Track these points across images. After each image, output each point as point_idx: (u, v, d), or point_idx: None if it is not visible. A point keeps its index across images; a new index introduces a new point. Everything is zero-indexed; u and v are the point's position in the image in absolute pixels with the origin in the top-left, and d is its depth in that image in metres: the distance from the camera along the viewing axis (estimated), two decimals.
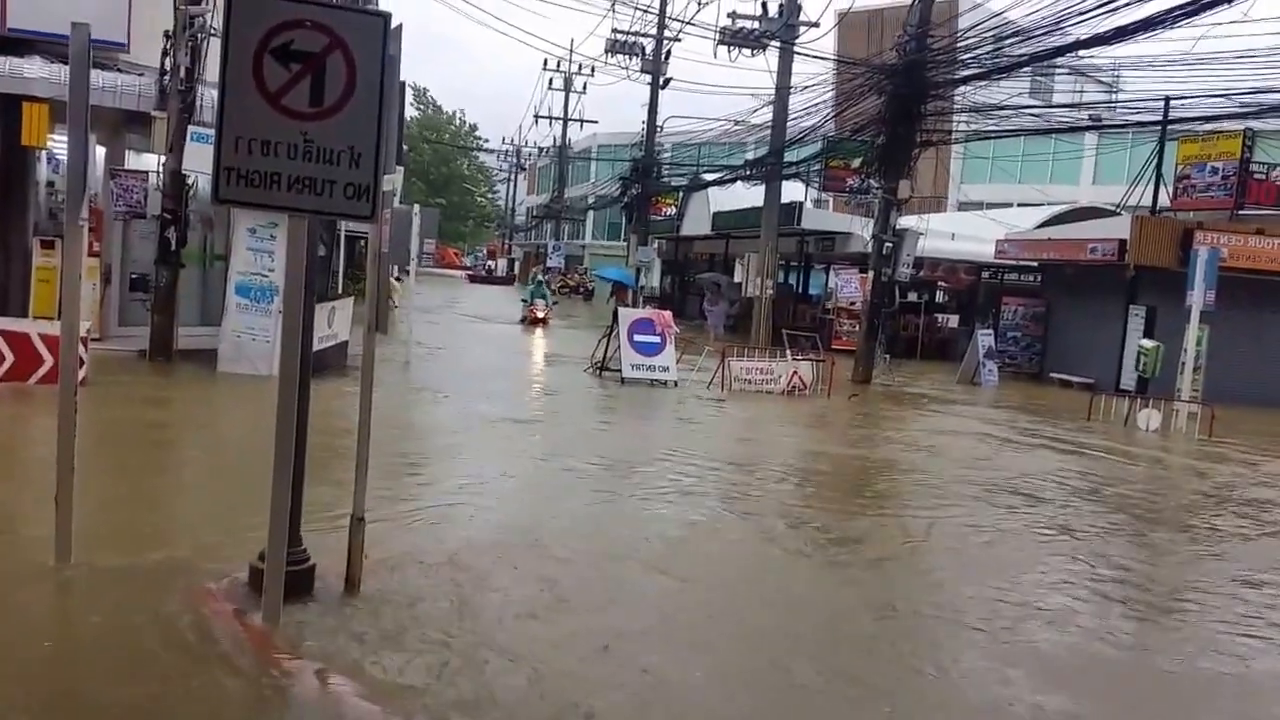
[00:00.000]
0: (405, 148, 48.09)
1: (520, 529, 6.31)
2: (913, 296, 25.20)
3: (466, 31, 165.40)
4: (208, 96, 11.43)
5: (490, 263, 69.00)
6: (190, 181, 11.99)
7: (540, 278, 29.70)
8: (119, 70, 12.52)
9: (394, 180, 17.43)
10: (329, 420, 8.45)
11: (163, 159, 12.09)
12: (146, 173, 12.69)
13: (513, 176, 74.21)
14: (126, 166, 13.06)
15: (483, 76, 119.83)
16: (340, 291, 18.29)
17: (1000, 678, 4.54)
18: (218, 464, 7.71)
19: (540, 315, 25.68)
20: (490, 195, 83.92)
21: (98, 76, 11.78)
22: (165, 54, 11.94)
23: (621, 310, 16.31)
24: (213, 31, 11.37)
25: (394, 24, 4.31)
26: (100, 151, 12.75)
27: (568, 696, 3.94)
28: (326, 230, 17.47)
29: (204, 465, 7.79)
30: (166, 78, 11.93)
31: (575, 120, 51.87)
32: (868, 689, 4.36)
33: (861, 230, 22.27)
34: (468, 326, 24.69)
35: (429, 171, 73.38)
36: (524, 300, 27.46)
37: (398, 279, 29.05)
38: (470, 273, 57.61)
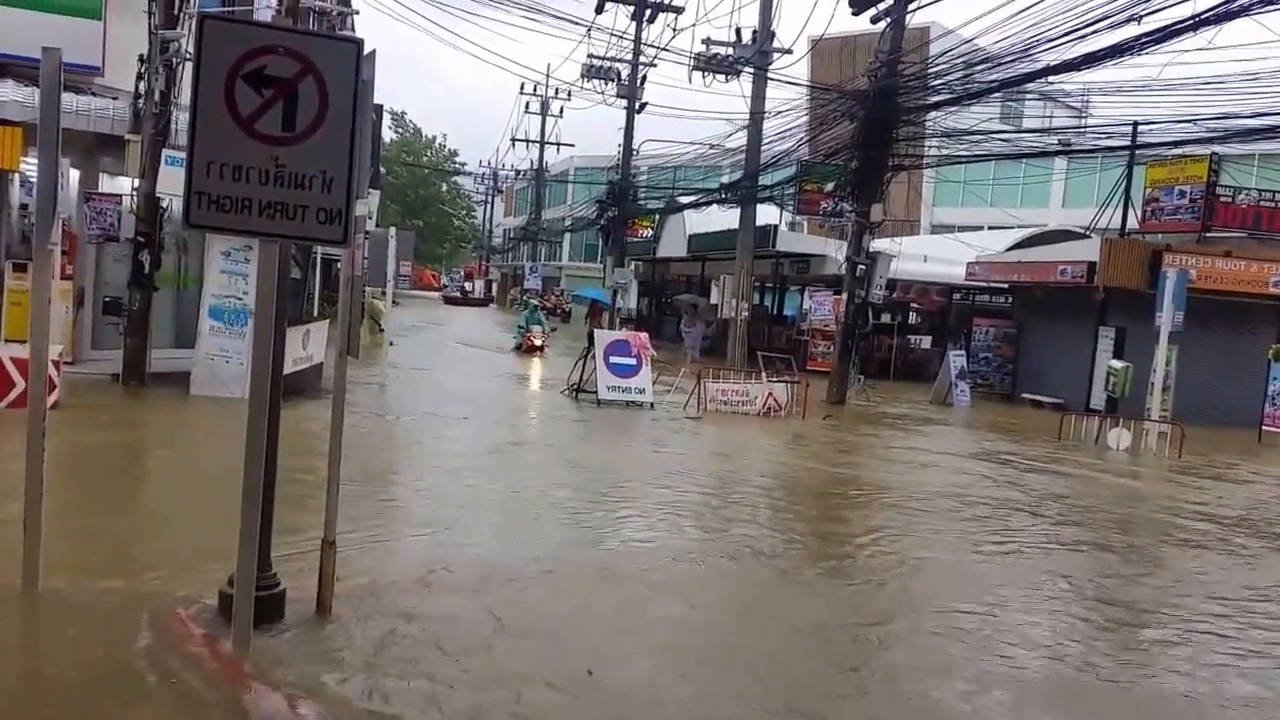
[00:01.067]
0: (382, 171, 48.14)
1: (493, 552, 6.29)
2: (886, 318, 25.40)
3: (444, 57, 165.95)
4: (182, 120, 11.44)
5: (467, 284, 68.96)
6: (164, 205, 11.97)
7: (534, 302, 28.35)
8: (93, 94, 12.53)
9: (369, 204, 17.49)
10: (301, 443, 8.44)
11: (136, 182, 12.07)
12: (120, 196, 12.66)
13: (490, 199, 74.35)
14: (100, 190, 13.03)
15: (461, 101, 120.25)
16: (316, 314, 18.24)
17: (982, 701, 4.59)
18: (189, 488, 7.67)
19: (538, 343, 24.29)
20: (468, 218, 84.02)
21: (71, 100, 11.79)
22: (140, 77, 11.96)
23: (597, 332, 16.36)
24: (187, 56, 11.40)
25: (367, 50, 4.35)
26: (74, 175, 12.72)
27: None
28: (301, 253, 17.43)
29: (175, 489, 7.74)
30: (141, 101, 11.93)
31: (552, 143, 52.15)
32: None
33: (835, 253, 22.46)
34: (449, 349, 24.65)
35: (406, 194, 73.39)
36: (519, 327, 25.60)
37: (394, 301, 28.98)
38: (445, 294, 57.55)
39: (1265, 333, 18.78)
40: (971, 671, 4.91)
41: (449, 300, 55.01)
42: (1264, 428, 17.28)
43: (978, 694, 4.62)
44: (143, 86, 11.90)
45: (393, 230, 16.38)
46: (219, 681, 4.02)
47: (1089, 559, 7.61)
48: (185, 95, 10.89)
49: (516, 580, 5.69)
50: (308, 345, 12.84)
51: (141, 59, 11.91)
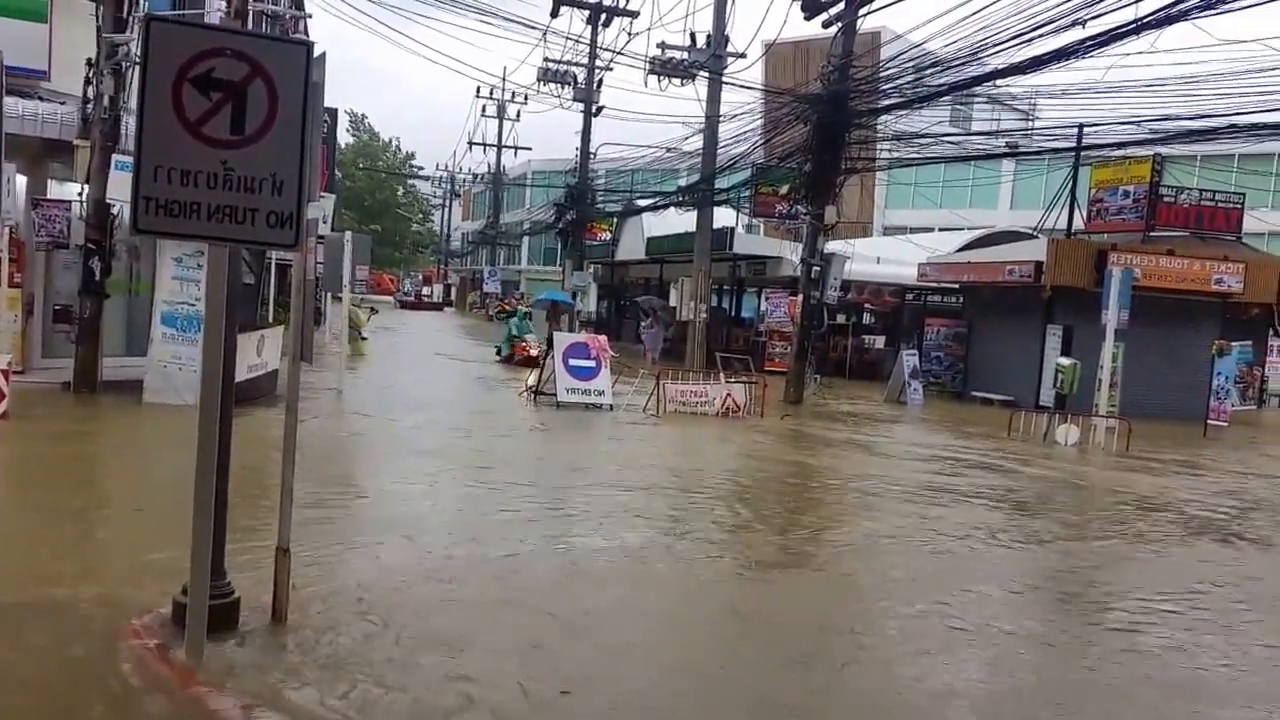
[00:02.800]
0: (338, 174, 47.74)
1: (451, 557, 6.23)
2: (841, 319, 25.71)
3: (398, 60, 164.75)
4: (132, 124, 11.30)
5: (426, 289, 68.67)
6: (115, 210, 11.83)
7: (523, 309, 25.67)
8: (40, 98, 12.34)
9: (323, 207, 17.38)
10: (256, 450, 8.39)
11: (86, 188, 11.91)
12: (69, 202, 12.48)
13: (447, 202, 74.03)
14: (49, 196, 12.83)
15: (416, 104, 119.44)
16: (271, 320, 18.08)
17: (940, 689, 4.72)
18: (141, 497, 7.59)
19: (533, 353, 20.75)
20: (426, 222, 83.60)
21: (17, 105, 11.60)
22: (88, 82, 11.80)
23: (556, 335, 16.38)
24: (136, 60, 11.28)
25: (317, 53, 4.36)
26: (21, 181, 12.52)
27: None
28: (255, 258, 17.29)
29: (127, 498, 7.66)
30: (90, 106, 11.78)
31: (509, 147, 52.00)
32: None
33: (791, 255, 22.69)
34: (426, 360, 24.51)
35: (363, 198, 72.88)
36: (511, 335, 23.32)
37: (372, 308, 28.49)
38: (400, 298, 57.23)
39: (1208, 329, 19.29)
40: (932, 663, 5.03)
41: (404, 305, 54.70)
42: (1208, 421, 17.75)
43: (940, 687, 4.74)
44: (91, 91, 11.74)
45: (348, 234, 16.23)
46: (172, 691, 3.98)
47: (1040, 550, 7.79)
48: (135, 99, 10.79)
49: (474, 585, 5.67)
50: (262, 351, 12.74)
51: (89, 63, 11.76)
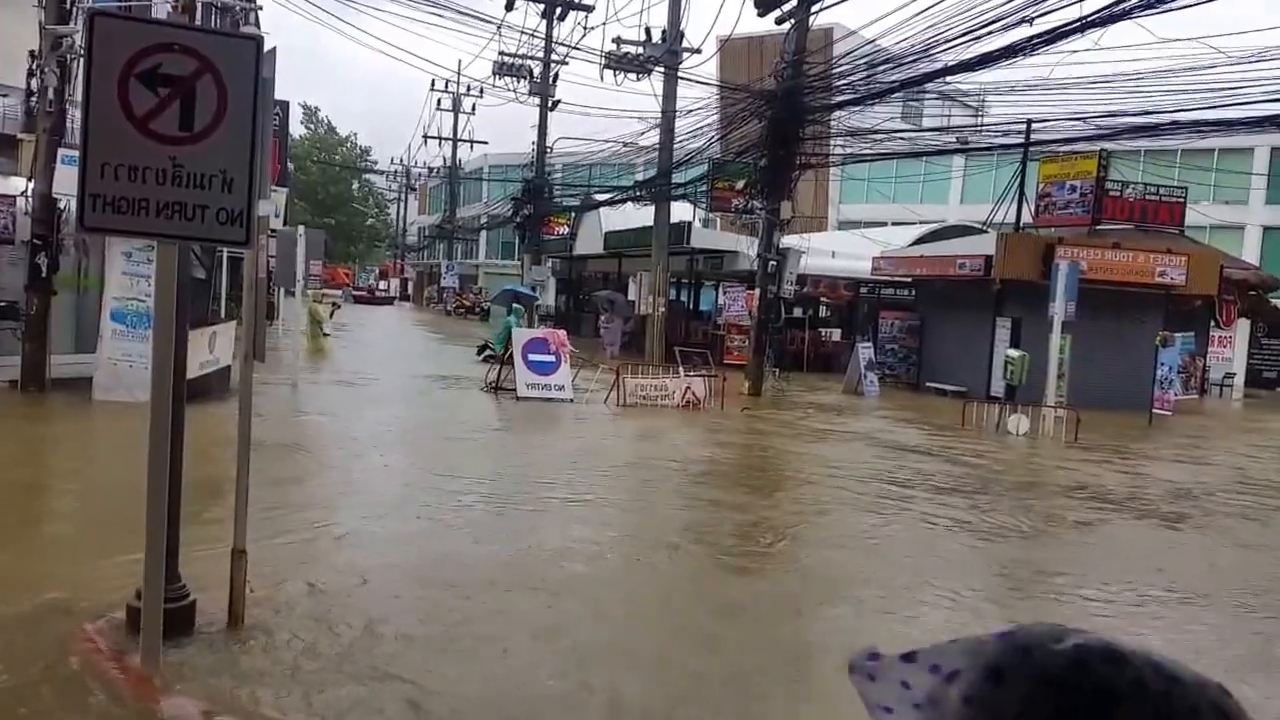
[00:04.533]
0: (290, 168, 47.12)
1: (411, 556, 6.20)
2: (798, 312, 25.91)
3: (350, 52, 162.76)
4: (78, 118, 11.12)
5: (383, 283, 68.05)
6: (62, 206, 11.63)
7: (518, 306, 22.97)
8: None
9: (274, 202, 17.17)
10: (209, 449, 8.31)
11: (31, 182, 11.68)
12: (14, 197, 12.23)
13: (403, 196, 73.38)
14: None
15: (370, 97, 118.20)
16: (223, 315, 17.85)
17: None
18: (93, 498, 7.49)
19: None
20: (381, 216, 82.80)
21: None
22: (31, 74, 11.58)
23: (515, 330, 16.37)
24: (81, 52, 11.07)
25: (266, 48, 4.34)
26: None
27: None
28: (206, 254, 17.05)
29: (78, 499, 7.56)
30: (34, 99, 11.56)
31: (465, 140, 51.69)
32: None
33: (748, 249, 22.85)
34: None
35: (317, 191, 71.99)
36: (508, 330, 20.11)
37: (334, 303, 27.99)
38: (354, 292, 56.55)
39: (1153, 320, 19.71)
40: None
41: (358, 299, 54.06)
42: (1153, 410, 18.17)
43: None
44: (35, 84, 11.52)
45: (301, 229, 16.08)
46: (127, 697, 3.95)
47: (991, 534, 7.97)
48: (80, 93, 10.61)
49: (433, 584, 5.66)
50: (214, 347, 12.60)
51: (33, 55, 11.54)
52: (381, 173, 71.08)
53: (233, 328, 13.60)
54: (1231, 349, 28.45)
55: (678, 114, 21.33)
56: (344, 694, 4.08)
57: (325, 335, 21.45)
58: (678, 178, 23.18)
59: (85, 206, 3.92)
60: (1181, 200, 22.73)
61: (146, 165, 3.94)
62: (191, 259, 7.38)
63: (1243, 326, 28.82)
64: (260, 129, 4.20)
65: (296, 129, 71.54)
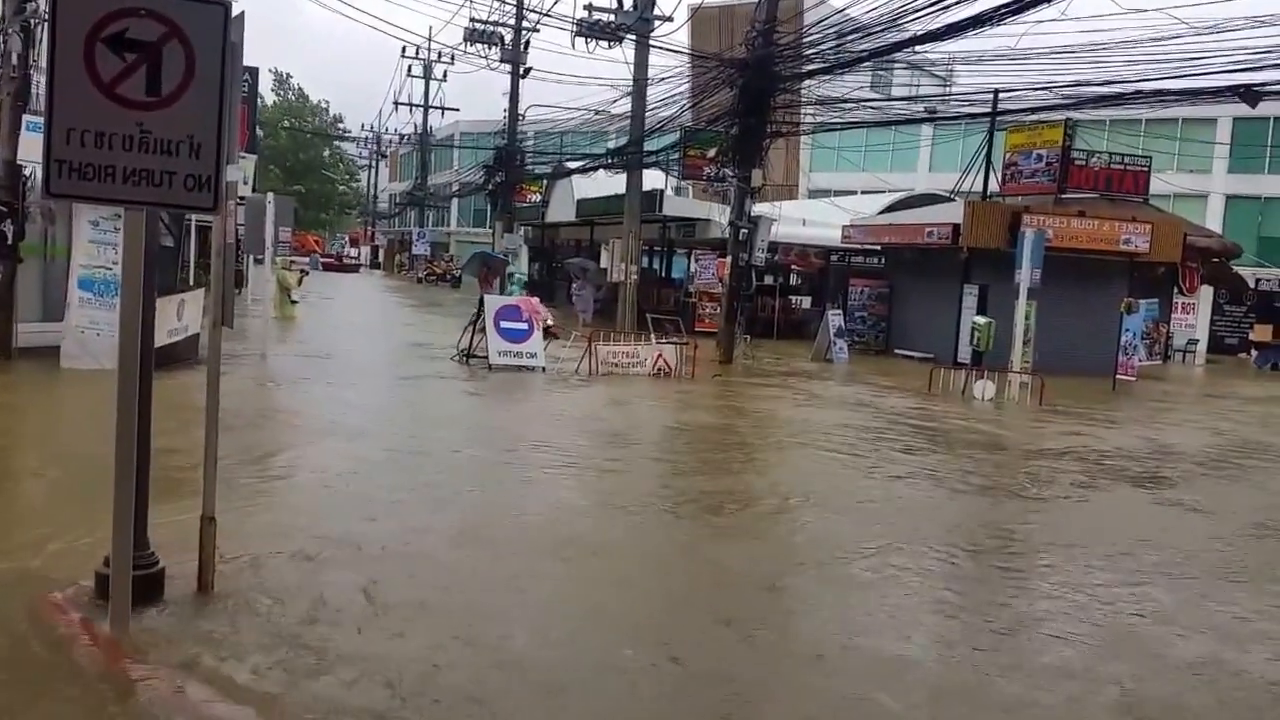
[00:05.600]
0: (260, 134, 46.46)
1: (382, 523, 6.18)
2: (769, 280, 26.10)
3: (320, 17, 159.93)
4: (43, 83, 10.95)
5: (354, 250, 67.62)
6: (27, 172, 11.48)
7: (521, 276, 22.28)
8: None
9: (244, 169, 17.02)
10: (177, 416, 8.31)
11: None
12: None
13: (374, 163, 72.68)
14: None
15: (340, 63, 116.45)
16: (191, 283, 17.72)
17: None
18: (60, 466, 7.47)
19: (550, 323, 18.25)
20: (352, 184, 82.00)
21: None
22: None
23: (487, 298, 16.35)
24: (45, 16, 10.88)
25: (235, 11, 4.32)
26: None
27: (431, 695, 3.89)
28: (174, 221, 16.89)
29: (46, 467, 7.53)
30: None
31: (436, 108, 51.22)
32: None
33: (720, 217, 22.91)
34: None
35: (286, 158, 71.15)
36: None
37: (302, 270, 27.63)
38: (321, 259, 56.02)
39: (1117, 287, 20.04)
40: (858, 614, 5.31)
41: (326, 267, 53.58)
42: (1117, 376, 18.53)
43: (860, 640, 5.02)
44: None
45: (270, 196, 15.95)
46: (96, 664, 3.96)
47: (961, 498, 8.18)
48: (45, 58, 10.44)
49: (404, 551, 5.65)
50: (182, 315, 12.55)
51: None
52: (353, 139, 70.30)
53: (201, 295, 13.51)
54: (1195, 315, 28.99)
55: (650, 82, 21.27)
56: (314, 660, 4.09)
57: (293, 303, 21.34)
58: (650, 146, 23.15)
59: (51, 173, 3.90)
60: (1146, 169, 23.03)
61: (113, 131, 3.93)
62: (159, 226, 7.36)
63: (1206, 293, 29.34)
64: (228, 94, 4.16)
65: (267, 95, 70.70)
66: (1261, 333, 28.19)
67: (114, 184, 3.97)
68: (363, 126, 67.87)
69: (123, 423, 4.09)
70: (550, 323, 19.97)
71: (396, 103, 51.63)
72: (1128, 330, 18.88)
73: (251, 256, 20.89)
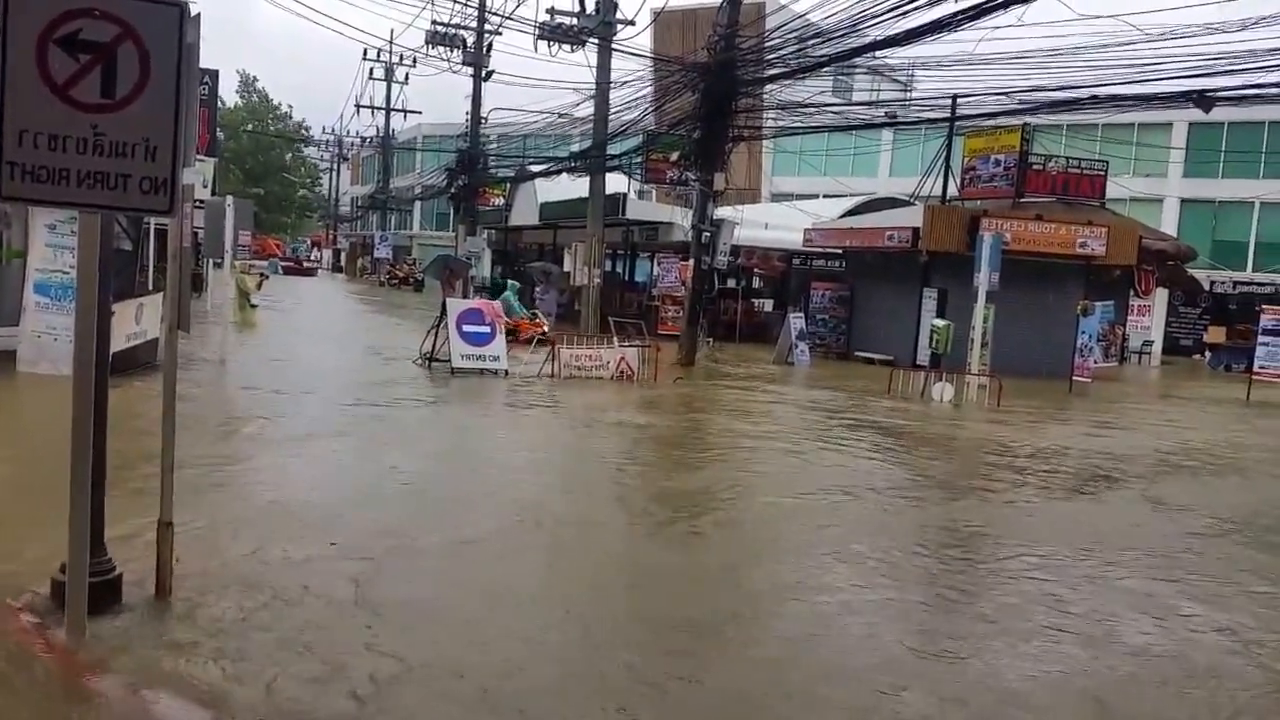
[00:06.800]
0: (220, 137, 45.87)
1: (340, 528, 6.13)
2: (731, 283, 26.26)
3: (277, 18, 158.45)
4: None
5: (315, 253, 67.01)
6: None
7: (513, 282, 21.81)
8: None
9: (203, 171, 16.85)
10: (135, 421, 8.22)
11: None
12: None
13: (335, 166, 72.09)
14: None
15: (300, 66, 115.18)
16: (151, 287, 17.47)
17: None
18: (16, 472, 7.32)
19: (547, 329, 19.23)
20: (315, 187, 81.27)
21: None
22: None
23: (449, 301, 16.28)
24: None
25: (192, 13, 4.30)
26: None
27: (395, 699, 3.88)
28: (132, 224, 16.66)
29: (1, 474, 7.42)
30: None
31: (398, 110, 50.90)
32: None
33: (682, 220, 23.01)
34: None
35: (246, 160, 70.39)
36: (511, 309, 19.57)
37: (262, 274, 27.34)
38: (284, 264, 55.36)
39: (1073, 290, 20.37)
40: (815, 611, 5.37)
41: (287, 270, 52.96)
42: (1074, 377, 18.85)
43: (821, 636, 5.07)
44: None
45: (230, 199, 15.80)
46: (52, 671, 3.92)
47: (911, 497, 8.29)
48: None
49: (365, 558, 5.58)
50: (141, 319, 12.39)
51: None
52: (315, 143, 69.57)
53: (160, 299, 13.32)
54: (1150, 318, 29.59)
55: (612, 86, 21.33)
56: (270, 664, 4.08)
57: (253, 307, 21.12)
58: (613, 149, 23.19)
59: (3, 175, 3.84)
60: (1102, 173, 23.43)
61: (67, 133, 3.89)
62: (116, 229, 7.27)
63: (1161, 296, 29.96)
64: (184, 96, 4.14)
65: (231, 98, 70.00)
66: (1216, 334, 28.82)
67: (68, 187, 3.93)
68: (324, 129, 67.33)
69: (79, 428, 4.06)
70: (546, 330, 20.04)
71: (358, 105, 51.24)
72: (1084, 332, 19.22)
73: (211, 260, 20.64)
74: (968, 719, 4.11)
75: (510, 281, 20.51)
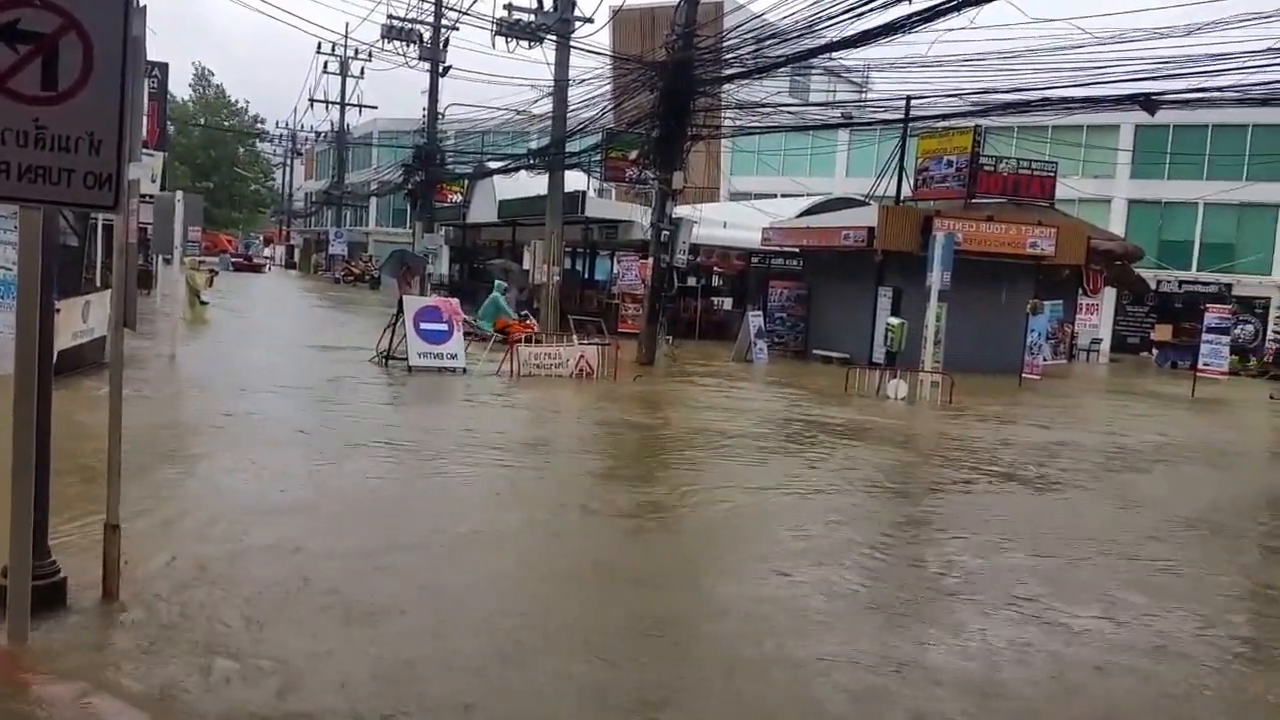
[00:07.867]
0: (171, 131, 45.06)
1: (292, 529, 6.07)
2: (690, 281, 26.33)
3: (235, 13, 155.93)
4: None
5: (267, 250, 66.18)
6: None
7: (502, 282, 20.34)
8: None
9: (151, 166, 16.54)
10: (82, 421, 8.05)
11: None
12: None
13: (289, 161, 71.11)
14: None
15: (253, 59, 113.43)
16: (99, 284, 17.12)
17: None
18: None
19: (537, 329, 18.82)
20: (268, 182, 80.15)
21: None
22: None
23: (406, 298, 16.16)
24: None
25: (138, 4, 4.23)
26: None
27: (355, 706, 3.86)
28: (79, 219, 16.33)
29: None
30: None
31: (353, 105, 50.33)
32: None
33: (642, 219, 23.04)
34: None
35: (197, 155, 69.28)
36: (500, 309, 18.99)
37: (212, 271, 26.84)
38: (234, 260, 54.55)
39: (1024, 289, 20.74)
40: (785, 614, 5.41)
41: (237, 267, 52.20)
42: (1023, 375, 19.19)
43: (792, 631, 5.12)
44: None
45: (180, 194, 15.52)
46: None
47: (865, 493, 8.39)
48: None
49: (317, 559, 5.53)
50: (88, 317, 12.13)
51: None
52: (268, 138, 68.47)
53: (108, 296, 13.05)
54: (1098, 316, 30.16)
55: (571, 83, 21.26)
56: (216, 667, 4.04)
57: (203, 304, 20.81)
58: (572, 147, 23.14)
59: None
60: (1052, 175, 23.85)
61: (7, 126, 3.82)
62: (61, 225, 7.13)
63: (1109, 295, 30.56)
64: (130, 89, 4.08)
65: (185, 91, 68.86)
66: (1162, 332, 29.47)
67: (8, 181, 3.86)
68: (277, 124, 66.41)
69: (20, 429, 4.00)
70: (535, 327, 19.40)
71: (312, 100, 50.47)
72: (1033, 330, 19.58)
73: (160, 256, 20.28)
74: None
75: (498, 282, 20.15)
